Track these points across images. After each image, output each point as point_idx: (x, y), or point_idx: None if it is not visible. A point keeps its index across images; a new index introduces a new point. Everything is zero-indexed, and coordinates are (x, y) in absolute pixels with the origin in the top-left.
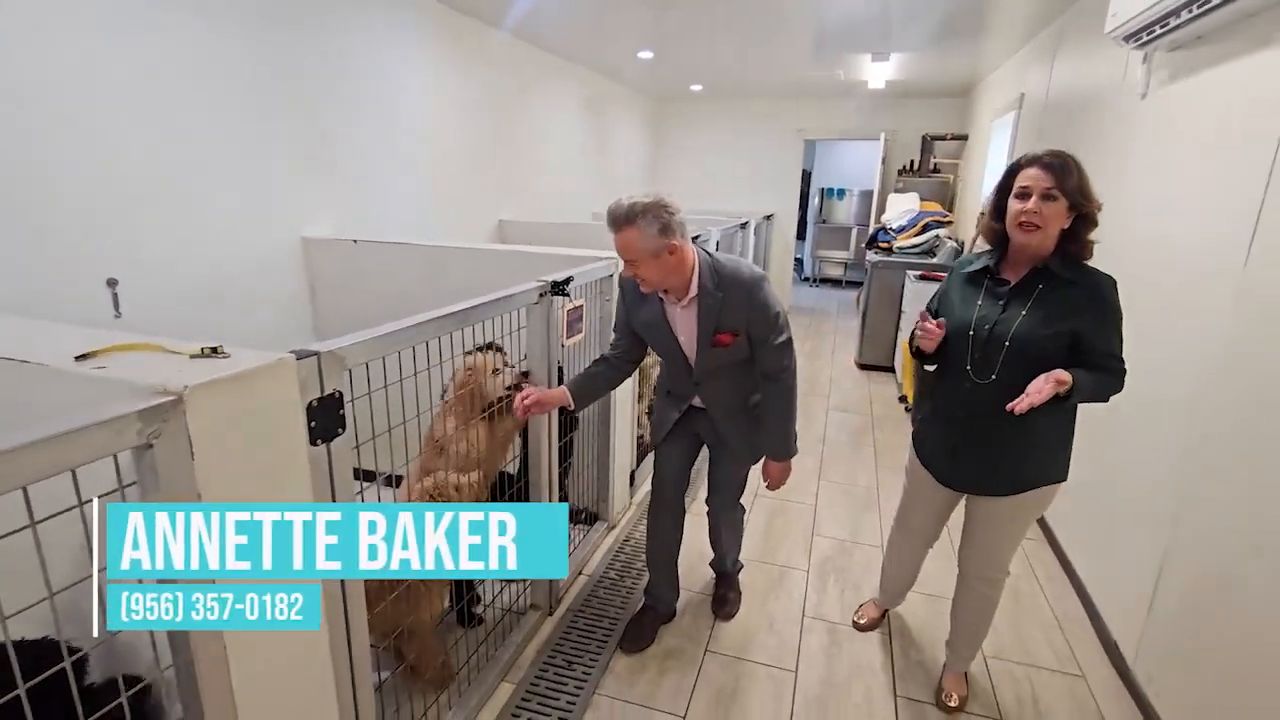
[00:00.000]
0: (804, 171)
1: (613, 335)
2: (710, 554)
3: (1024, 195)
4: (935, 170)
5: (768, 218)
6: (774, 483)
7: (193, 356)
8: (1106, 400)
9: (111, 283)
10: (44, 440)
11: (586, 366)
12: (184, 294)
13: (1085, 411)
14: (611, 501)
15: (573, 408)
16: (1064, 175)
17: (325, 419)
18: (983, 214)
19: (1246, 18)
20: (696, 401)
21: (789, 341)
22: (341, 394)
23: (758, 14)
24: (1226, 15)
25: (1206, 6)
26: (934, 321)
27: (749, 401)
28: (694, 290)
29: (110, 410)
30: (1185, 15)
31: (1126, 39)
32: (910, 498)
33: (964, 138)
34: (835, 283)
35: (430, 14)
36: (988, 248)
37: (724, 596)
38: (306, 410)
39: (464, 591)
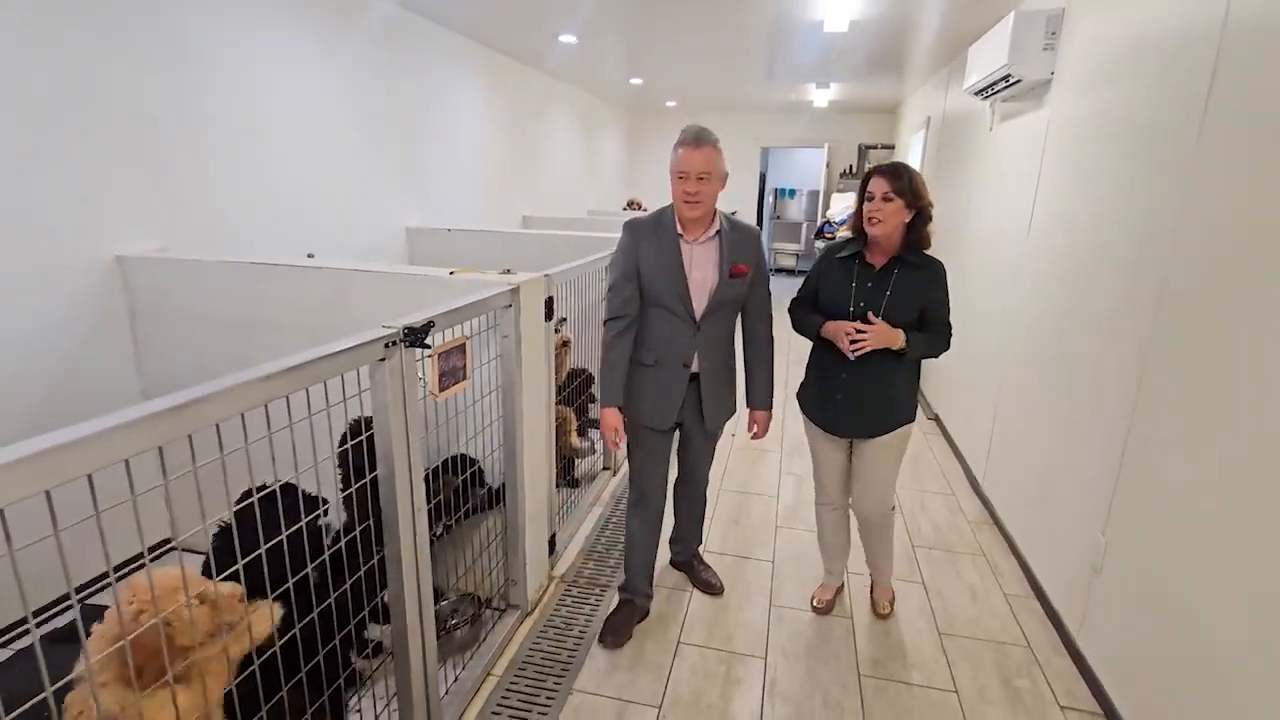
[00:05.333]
0: (759, 174)
1: (614, 293)
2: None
3: (870, 198)
4: None
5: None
6: (761, 430)
7: (500, 272)
8: (938, 355)
9: (310, 255)
10: (481, 300)
11: (609, 345)
12: None
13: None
14: (524, 583)
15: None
16: (897, 180)
17: (549, 309)
18: None
19: (1031, 89)
20: (694, 365)
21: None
22: (553, 298)
23: (725, 49)
24: (1023, 87)
25: (1009, 83)
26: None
27: (729, 361)
28: (717, 225)
29: (499, 290)
30: (1000, 86)
31: (975, 94)
32: (815, 459)
33: (891, 146)
34: (789, 272)
35: (478, 56)
36: (853, 236)
37: (707, 579)
38: (544, 304)
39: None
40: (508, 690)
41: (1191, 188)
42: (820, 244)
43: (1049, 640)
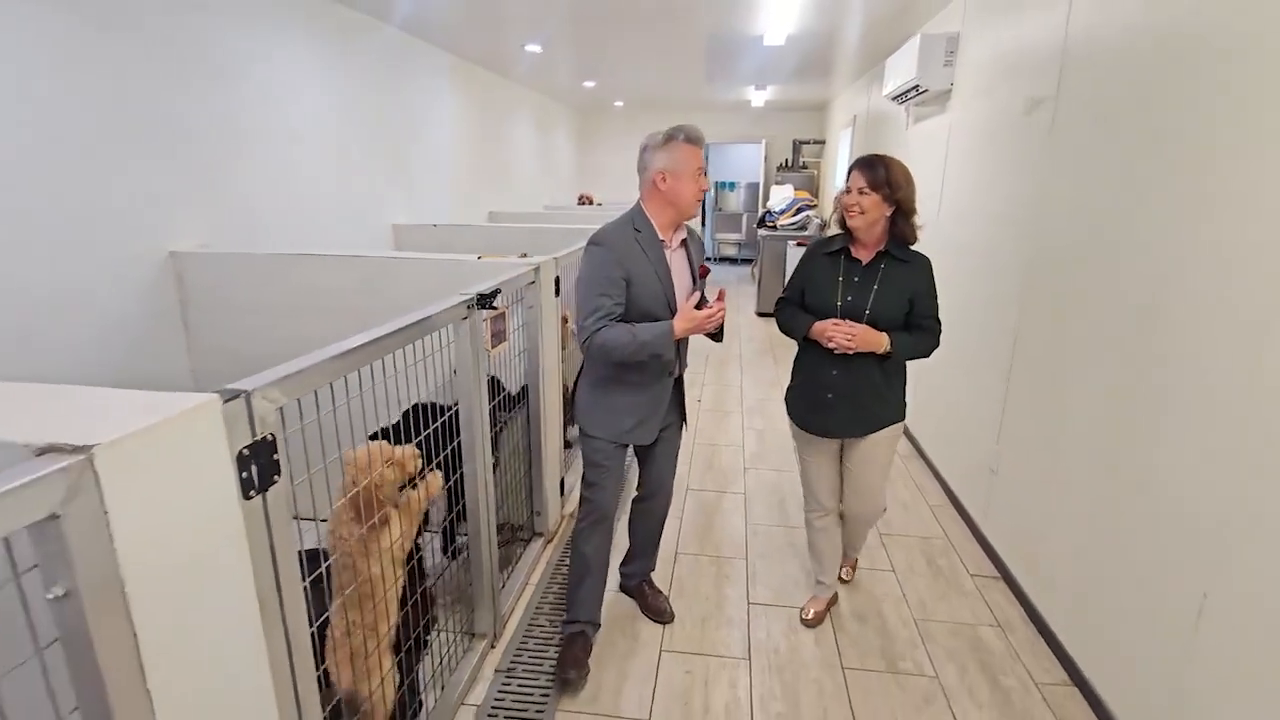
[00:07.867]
0: None
1: (601, 310)
2: (623, 580)
3: (849, 191)
4: (804, 166)
5: None
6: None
7: (519, 256)
8: (928, 355)
9: None
10: (518, 275)
11: (605, 336)
12: None
13: None
14: (546, 514)
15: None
16: (873, 173)
17: (558, 286)
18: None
19: (936, 97)
20: (675, 371)
21: None
22: (560, 277)
23: (672, 56)
24: (929, 95)
25: (919, 92)
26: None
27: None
28: (684, 231)
29: (524, 269)
30: (911, 94)
31: (892, 99)
32: (805, 466)
33: (823, 142)
34: (732, 260)
35: (454, 67)
36: (840, 231)
37: (658, 605)
38: (554, 281)
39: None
40: (546, 590)
41: (1045, 175)
42: (763, 232)
43: (962, 533)
